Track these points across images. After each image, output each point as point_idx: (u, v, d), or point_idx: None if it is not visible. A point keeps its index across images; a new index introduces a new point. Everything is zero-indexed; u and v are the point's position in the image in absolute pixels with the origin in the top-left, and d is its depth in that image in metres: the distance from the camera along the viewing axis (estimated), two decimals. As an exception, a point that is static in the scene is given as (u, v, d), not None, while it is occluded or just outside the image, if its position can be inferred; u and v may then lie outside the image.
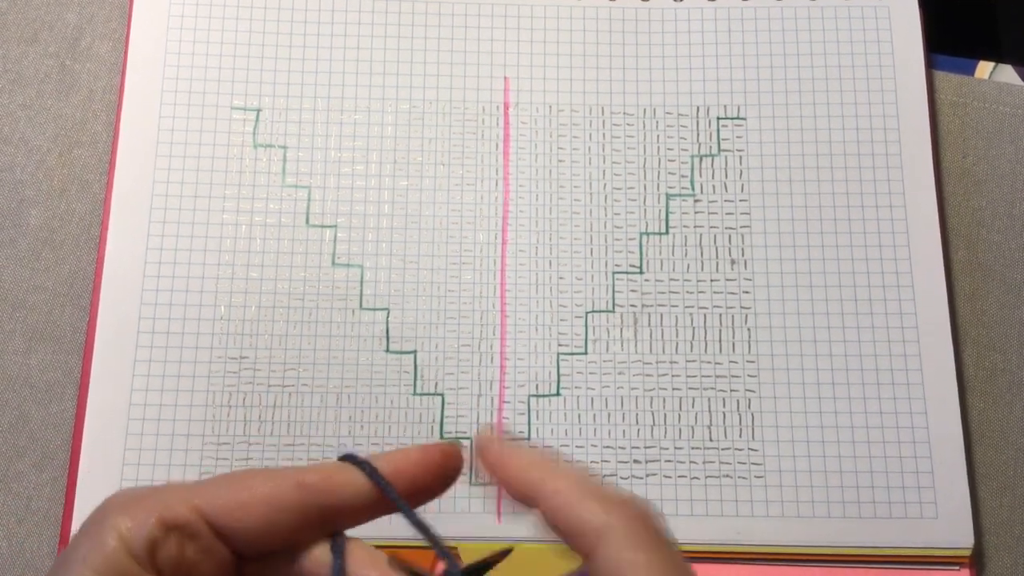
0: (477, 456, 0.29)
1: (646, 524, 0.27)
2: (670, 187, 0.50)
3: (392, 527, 0.29)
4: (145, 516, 0.26)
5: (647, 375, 0.48)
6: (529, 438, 0.47)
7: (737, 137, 0.51)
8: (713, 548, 0.45)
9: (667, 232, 0.50)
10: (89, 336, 0.47)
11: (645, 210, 0.50)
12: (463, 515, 0.45)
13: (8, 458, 0.47)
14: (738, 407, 0.47)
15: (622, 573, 0.25)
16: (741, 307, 0.49)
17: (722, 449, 0.47)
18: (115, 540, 0.25)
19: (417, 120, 0.51)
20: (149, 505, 0.26)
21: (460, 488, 0.46)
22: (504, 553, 0.28)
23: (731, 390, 0.47)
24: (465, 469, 0.46)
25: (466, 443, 0.47)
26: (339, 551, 0.27)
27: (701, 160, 0.51)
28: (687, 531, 0.45)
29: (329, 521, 0.27)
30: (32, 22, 0.53)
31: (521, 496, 0.28)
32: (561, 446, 0.47)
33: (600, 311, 0.49)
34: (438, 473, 0.28)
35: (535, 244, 0.49)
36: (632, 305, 0.49)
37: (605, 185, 0.50)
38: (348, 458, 0.28)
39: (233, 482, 0.27)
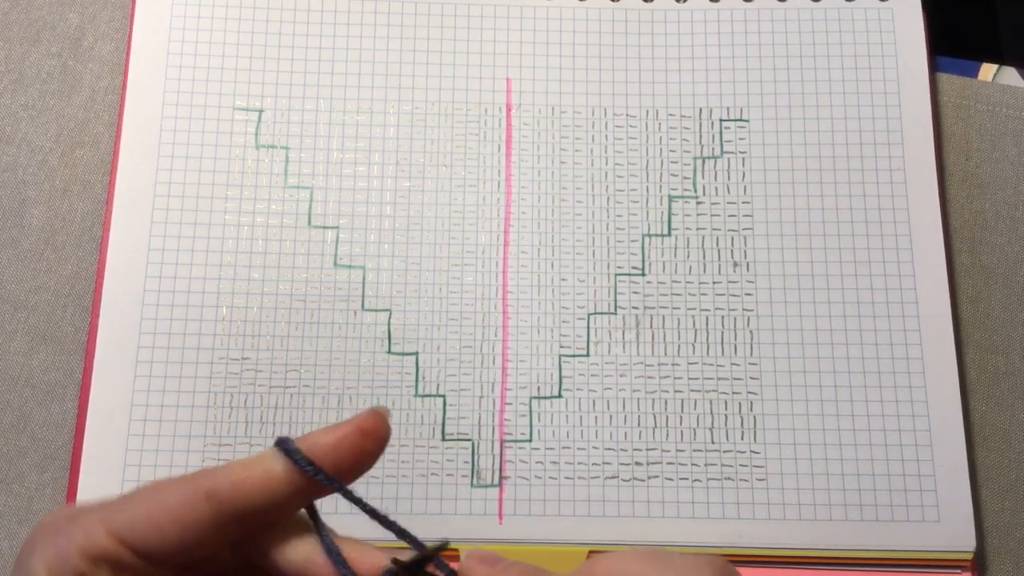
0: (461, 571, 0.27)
1: None
2: (672, 189, 0.50)
3: (372, 528, 0.28)
4: (68, 550, 0.25)
5: (649, 377, 0.48)
6: (531, 440, 0.47)
7: (740, 139, 0.51)
8: (714, 550, 0.45)
9: (669, 234, 0.50)
10: (91, 337, 0.47)
11: (647, 212, 0.50)
12: (464, 517, 0.45)
13: (9, 458, 0.47)
14: (740, 409, 0.47)
15: None
16: (743, 309, 0.49)
17: (724, 451, 0.47)
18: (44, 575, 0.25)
19: (420, 121, 0.51)
20: (70, 536, 0.25)
21: (461, 490, 0.46)
22: (443, 546, 0.26)
23: (733, 392, 0.47)
24: (466, 471, 0.47)
25: (466, 444, 0.47)
26: (322, 529, 0.27)
27: (704, 162, 0.51)
28: (688, 533, 0.45)
29: (249, 523, 0.26)
30: (34, 22, 0.53)
31: None
32: (562, 448, 0.46)
33: (602, 313, 0.48)
34: (360, 452, 0.27)
35: (537, 246, 0.49)
36: (634, 307, 0.49)
37: (608, 187, 0.50)
38: (281, 444, 0.27)
39: (143, 501, 0.26)
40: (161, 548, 0.25)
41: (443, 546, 0.26)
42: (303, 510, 0.28)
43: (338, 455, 0.27)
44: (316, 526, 0.27)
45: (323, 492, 0.27)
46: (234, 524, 0.26)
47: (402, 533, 0.27)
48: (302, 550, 0.27)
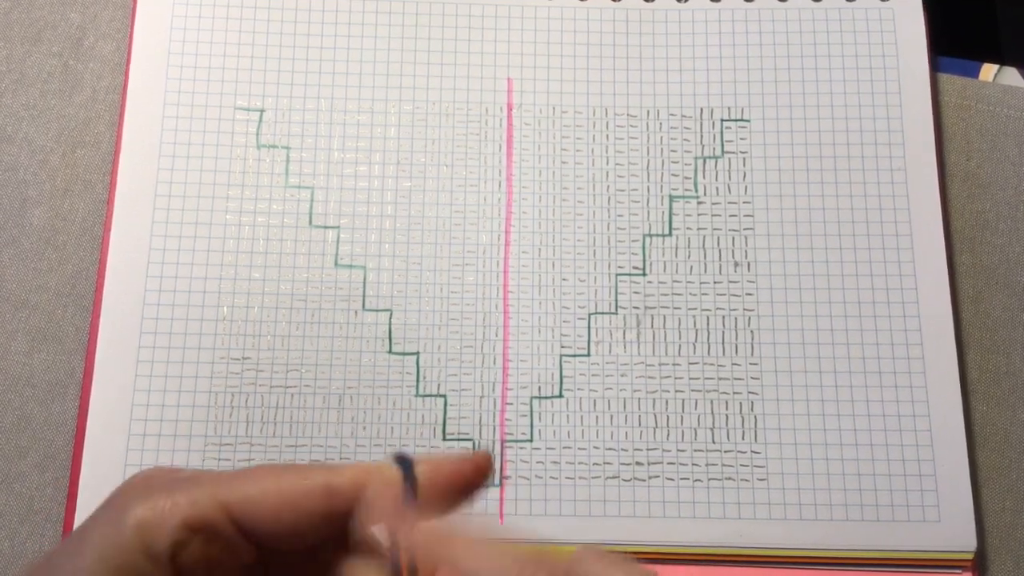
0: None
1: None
2: (673, 189, 0.50)
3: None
4: (171, 514, 0.25)
5: (650, 377, 0.48)
6: (531, 440, 0.47)
7: (741, 139, 0.51)
8: (715, 551, 0.45)
9: (670, 234, 0.50)
10: (91, 336, 0.47)
11: (648, 212, 0.50)
12: (466, 516, 0.45)
13: (10, 458, 0.47)
14: (740, 409, 0.47)
15: None
16: (744, 309, 0.49)
17: (724, 451, 0.47)
18: (133, 535, 0.24)
19: (420, 121, 0.51)
20: (176, 501, 0.25)
21: (462, 490, 0.46)
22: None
23: (734, 392, 0.47)
24: (467, 471, 0.46)
25: (467, 444, 0.47)
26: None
27: (705, 162, 0.51)
28: (689, 534, 0.45)
29: (349, 524, 0.27)
30: (35, 22, 0.53)
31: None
32: (563, 448, 0.46)
33: (603, 313, 0.48)
34: (467, 486, 0.27)
35: (538, 245, 0.49)
36: (635, 307, 0.49)
37: (608, 187, 0.50)
38: (400, 460, 0.27)
39: (263, 481, 0.26)
40: (272, 530, 0.26)
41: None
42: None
43: (448, 487, 0.27)
44: (404, 472, 0.27)
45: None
46: (341, 522, 0.26)
47: None
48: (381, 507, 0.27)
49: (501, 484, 0.46)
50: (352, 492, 0.26)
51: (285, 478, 0.26)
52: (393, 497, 0.26)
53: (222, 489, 0.26)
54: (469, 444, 0.46)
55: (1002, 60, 0.54)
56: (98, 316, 0.47)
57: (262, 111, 0.51)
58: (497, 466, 0.46)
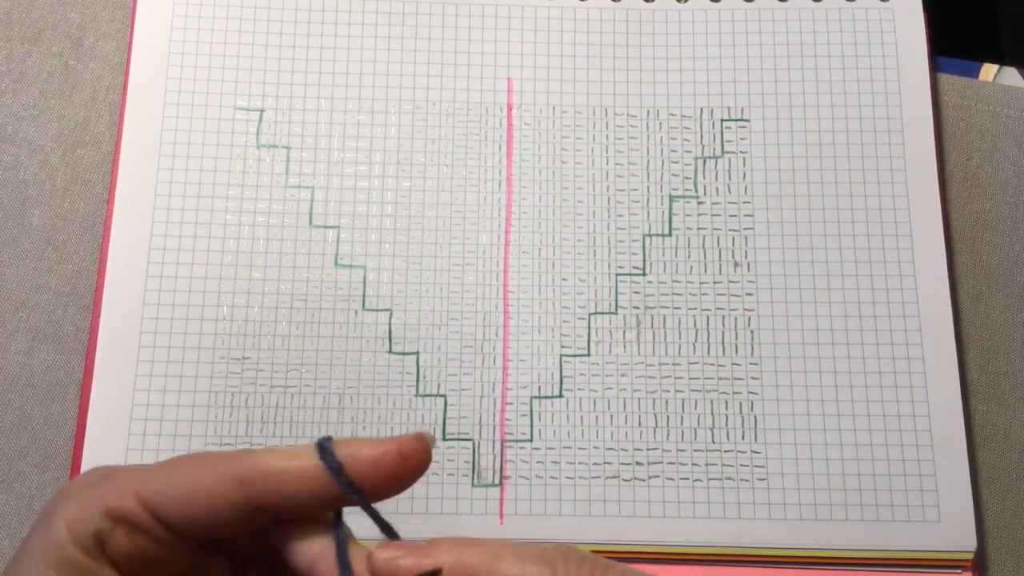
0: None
1: None
2: (673, 189, 0.50)
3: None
4: (93, 505, 0.25)
5: (650, 377, 0.48)
6: (531, 440, 0.47)
7: (741, 139, 0.51)
8: (715, 550, 0.45)
9: (670, 234, 0.50)
10: (91, 336, 0.47)
11: (648, 212, 0.50)
12: (465, 516, 0.45)
13: (10, 458, 0.47)
14: (740, 409, 0.47)
15: None
16: (744, 309, 0.49)
17: (724, 451, 0.47)
18: (63, 529, 0.25)
19: (420, 121, 0.51)
20: (96, 494, 0.26)
21: (462, 489, 0.46)
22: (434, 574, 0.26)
23: (734, 392, 0.47)
24: (467, 472, 0.47)
25: (467, 444, 0.47)
26: (341, 531, 0.27)
27: (705, 162, 0.51)
28: (689, 534, 0.45)
29: (275, 515, 0.26)
30: (35, 22, 0.53)
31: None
32: (563, 448, 0.47)
33: (603, 313, 0.48)
34: (394, 476, 0.26)
35: (538, 245, 0.49)
36: (635, 307, 0.49)
37: (608, 187, 0.50)
38: (321, 446, 0.27)
39: (180, 473, 0.26)
40: (186, 521, 0.26)
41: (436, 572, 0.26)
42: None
43: (374, 471, 0.26)
44: (336, 528, 0.27)
45: (351, 502, 0.27)
46: (260, 512, 0.26)
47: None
48: (316, 547, 0.26)
49: (501, 484, 0.46)
50: (264, 482, 0.26)
51: (201, 467, 0.26)
52: (320, 484, 0.26)
53: (139, 479, 0.26)
54: (469, 444, 0.47)
55: (1002, 60, 0.54)
56: (98, 316, 0.47)
57: (262, 111, 0.51)
58: (497, 466, 0.46)
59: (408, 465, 0.26)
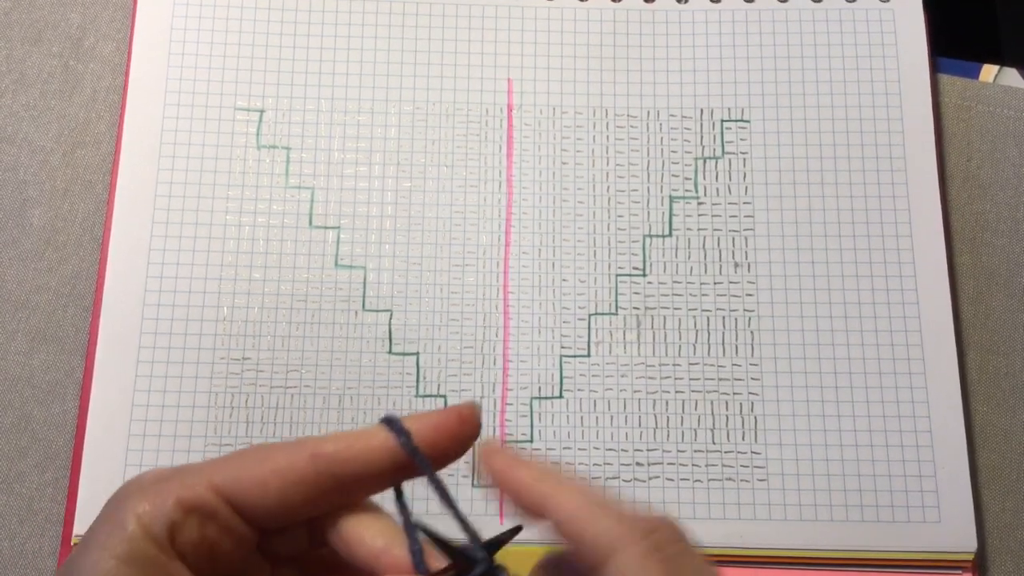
0: (481, 464, 0.28)
1: (659, 542, 0.26)
2: (674, 189, 0.50)
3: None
4: (164, 499, 0.26)
5: (650, 378, 0.48)
6: (532, 440, 0.47)
7: (741, 139, 0.51)
8: (715, 551, 0.45)
9: (670, 234, 0.50)
10: (91, 336, 0.47)
11: (648, 212, 0.50)
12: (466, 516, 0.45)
13: (10, 458, 0.47)
14: (741, 410, 0.47)
15: None
16: (744, 310, 0.49)
17: (724, 452, 0.47)
18: (134, 524, 0.25)
19: (421, 121, 0.51)
20: (168, 488, 0.26)
21: (463, 490, 0.46)
22: (516, 530, 0.28)
23: (734, 393, 0.47)
24: (467, 472, 0.47)
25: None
26: (408, 513, 0.27)
27: (705, 162, 0.51)
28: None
29: (346, 491, 0.27)
30: (36, 22, 0.53)
31: (529, 507, 0.28)
32: (563, 448, 0.46)
33: (603, 313, 0.48)
34: (455, 438, 0.28)
35: (538, 246, 0.49)
36: (635, 307, 0.49)
37: (608, 187, 0.50)
38: (388, 421, 0.28)
39: (249, 458, 0.27)
40: (260, 503, 0.26)
41: (517, 529, 0.28)
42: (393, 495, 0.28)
43: (436, 437, 0.28)
44: (403, 509, 0.28)
45: (414, 474, 0.28)
46: (331, 489, 0.27)
47: (471, 532, 0.28)
48: (382, 537, 0.27)
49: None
50: (335, 455, 0.27)
51: (271, 452, 0.27)
52: (389, 456, 0.27)
53: (211, 469, 0.27)
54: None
55: (1002, 61, 0.54)
56: (98, 316, 0.47)
57: (262, 111, 0.51)
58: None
59: (466, 429, 0.28)
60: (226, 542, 0.27)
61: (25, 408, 0.48)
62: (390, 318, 0.48)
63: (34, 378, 0.48)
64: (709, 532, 0.45)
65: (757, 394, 0.47)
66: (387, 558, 0.27)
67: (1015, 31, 0.56)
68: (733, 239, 0.49)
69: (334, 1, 0.52)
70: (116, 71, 0.53)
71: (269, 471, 0.26)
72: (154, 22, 0.51)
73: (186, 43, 0.51)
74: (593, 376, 0.47)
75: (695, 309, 0.49)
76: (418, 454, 0.27)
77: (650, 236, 0.50)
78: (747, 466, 0.46)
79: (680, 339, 0.48)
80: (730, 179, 0.50)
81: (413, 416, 0.28)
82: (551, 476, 0.28)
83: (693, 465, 0.46)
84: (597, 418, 0.47)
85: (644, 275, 0.49)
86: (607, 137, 0.51)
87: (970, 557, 0.45)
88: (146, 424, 0.46)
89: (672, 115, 0.51)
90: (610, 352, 0.48)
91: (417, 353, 0.48)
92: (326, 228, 0.49)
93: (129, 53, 0.51)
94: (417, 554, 0.26)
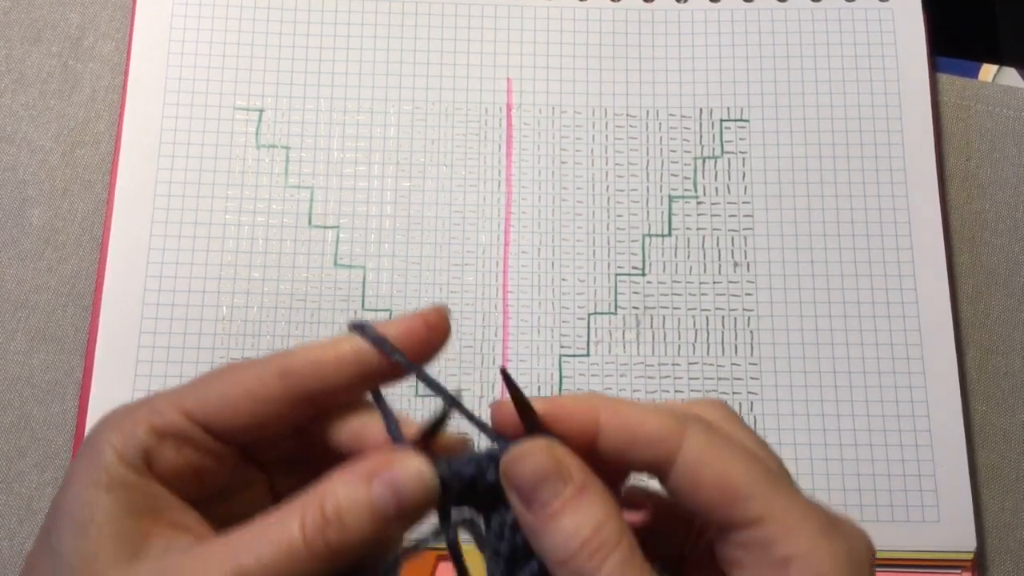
0: (517, 404, 0.27)
1: (721, 422, 0.27)
2: (673, 189, 0.50)
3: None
4: (135, 427, 0.26)
5: (649, 377, 0.48)
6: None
7: (740, 139, 0.51)
8: (715, 551, 0.45)
9: (670, 234, 0.50)
10: (91, 336, 0.47)
11: (648, 212, 0.50)
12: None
13: (10, 458, 0.47)
14: (740, 409, 0.47)
15: (710, 467, 0.25)
16: (744, 309, 0.49)
17: (724, 451, 0.47)
18: (110, 454, 0.26)
19: (420, 121, 0.51)
20: (138, 416, 0.26)
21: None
22: (444, 415, 0.27)
23: (733, 392, 0.47)
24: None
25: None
26: (384, 404, 0.27)
27: (704, 162, 0.51)
28: (689, 533, 0.45)
29: (317, 402, 0.27)
30: (35, 22, 0.53)
31: (581, 427, 0.27)
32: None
33: (602, 313, 0.48)
34: (424, 343, 0.27)
35: (538, 246, 0.49)
36: (634, 307, 0.49)
37: (608, 187, 0.50)
38: (356, 326, 0.27)
39: (218, 380, 0.27)
40: (232, 423, 0.27)
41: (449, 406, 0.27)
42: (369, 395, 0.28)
43: (404, 342, 0.27)
44: (378, 400, 0.28)
45: (390, 375, 0.28)
46: (304, 403, 0.27)
47: (468, 415, 0.28)
48: (359, 423, 0.27)
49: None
50: (304, 369, 0.27)
51: (239, 371, 0.27)
52: (358, 363, 0.27)
53: (180, 395, 0.27)
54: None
55: (1001, 60, 0.54)
56: (98, 316, 0.47)
57: (261, 111, 0.51)
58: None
59: (434, 335, 0.28)
60: (207, 462, 0.27)
61: (25, 408, 0.48)
62: (390, 317, 0.48)
63: (34, 377, 0.48)
64: (708, 531, 0.45)
65: (756, 393, 0.47)
66: (365, 436, 0.27)
67: (1014, 30, 0.56)
68: (732, 239, 0.49)
69: (333, 1, 0.52)
70: (115, 70, 0.53)
71: (239, 392, 0.26)
72: (153, 21, 0.51)
73: (185, 43, 0.51)
74: (592, 376, 0.47)
75: (694, 309, 0.49)
76: (387, 343, 0.27)
77: (649, 235, 0.50)
78: (746, 465, 0.46)
79: (679, 339, 0.48)
80: (729, 178, 0.50)
81: (380, 323, 0.27)
82: (595, 395, 0.27)
83: (692, 464, 0.46)
84: (596, 417, 0.47)
85: (643, 275, 0.49)
86: (606, 137, 0.51)
87: (969, 556, 0.45)
88: (145, 424, 0.46)
89: (671, 114, 0.51)
90: (609, 351, 0.48)
91: (416, 352, 0.48)
92: (325, 227, 0.49)
93: (128, 53, 0.51)
94: (393, 427, 0.27)
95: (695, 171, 0.51)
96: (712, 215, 0.50)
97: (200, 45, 0.51)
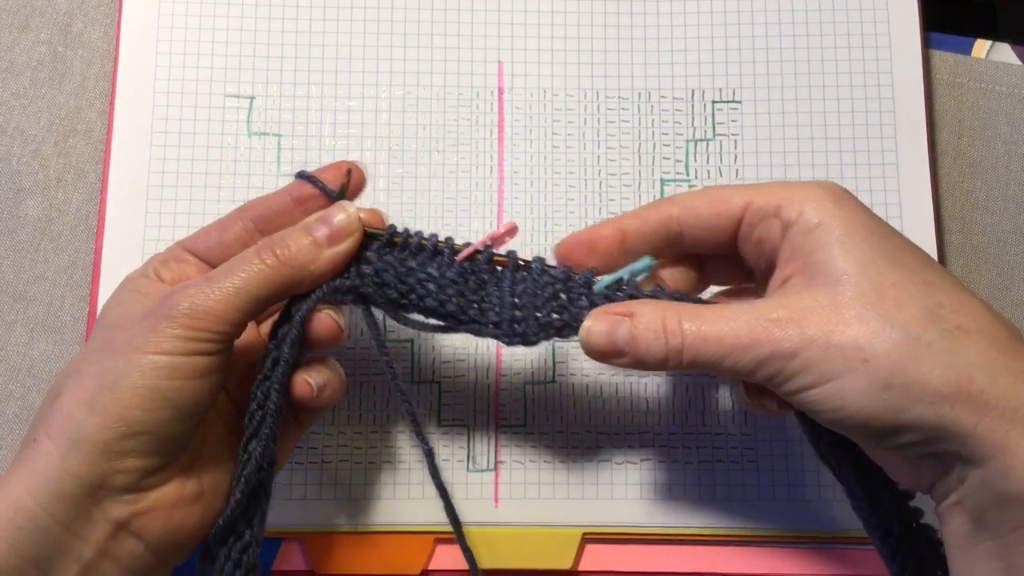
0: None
1: (838, 191, 0.37)
2: (665, 172, 0.50)
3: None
4: (148, 264, 0.40)
5: (642, 360, 0.48)
6: (525, 425, 0.47)
7: (732, 121, 0.51)
8: (707, 532, 0.46)
9: (662, 217, 0.50)
10: (90, 326, 0.48)
11: (640, 195, 0.50)
12: (461, 501, 0.46)
13: (13, 450, 0.48)
14: (731, 392, 0.48)
15: (833, 227, 0.35)
16: (735, 292, 0.49)
17: (715, 434, 0.47)
18: (135, 275, 0.40)
19: (411, 106, 0.51)
20: (149, 260, 0.41)
21: (458, 474, 0.47)
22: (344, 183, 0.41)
23: (725, 374, 0.48)
24: (463, 456, 0.47)
25: (462, 430, 0.47)
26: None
27: (696, 144, 0.51)
28: (682, 515, 0.46)
29: (264, 229, 0.40)
30: (22, 8, 0.53)
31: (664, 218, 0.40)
32: (556, 432, 0.47)
33: (595, 297, 0.49)
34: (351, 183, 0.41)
35: (530, 230, 0.50)
36: (627, 291, 0.49)
37: (600, 170, 0.50)
38: (304, 176, 0.41)
39: (202, 229, 0.41)
40: (207, 245, 0.40)
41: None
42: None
43: (333, 183, 0.41)
44: (312, 179, 0.41)
45: (312, 206, 0.41)
46: (257, 231, 0.40)
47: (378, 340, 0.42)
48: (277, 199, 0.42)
49: (496, 468, 0.47)
50: (256, 202, 0.41)
51: (217, 221, 0.41)
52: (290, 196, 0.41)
53: (180, 242, 0.41)
54: (464, 430, 0.47)
55: (995, 35, 0.54)
56: (95, 305, 0.48)
57: (252, 98, 0.51)
58: (491, 451, 0.47)
59: (354, 178, 0.41)
60: (192, 272, 0.40)
61: (27, 398, 0.48)
62: (384, 305, 0.48)
63: (34, 368, 0.49)
64: (700, 513, 0.46)
65: (747, 376, 0.48)
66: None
67: (1009, 5, 0.56)
68: (724, 222, 0.50)
69: (322, -17, 0.52)
70: (105, 57, 0.52)
71: (211, 226, 0.41)
72: (142, 6, 0.51)
73: (174, 28, 0.51)
74: (585, 361, 0.48)
75: (686, 292, 0.49)
76: (314, 178, 0.41)
77: (641, 220, 0.50)
78: (737, 448, 0.47)
79: (671, 322, 0.48)
80: (721, 161, 0.50)
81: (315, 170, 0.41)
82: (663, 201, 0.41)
83: (684, 447, 0.47)
84: (589, 402, 0.48)
85: (636, 258, 0.49)
86: (598, 120, 0.51)
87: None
88: (146, 413, 0.47)
89: (663, 96, 0.51)
90: (602, 336, 0.48)
91: (411, 340, 0.48)
92: (319, 216, 0.49)
93: (117, 39, 0.51)
94: (325, 188, 0.41)
95: (687, 154, 0.51)
96: (704, 198, 0.50)
97: (189, 31, 0.51)
